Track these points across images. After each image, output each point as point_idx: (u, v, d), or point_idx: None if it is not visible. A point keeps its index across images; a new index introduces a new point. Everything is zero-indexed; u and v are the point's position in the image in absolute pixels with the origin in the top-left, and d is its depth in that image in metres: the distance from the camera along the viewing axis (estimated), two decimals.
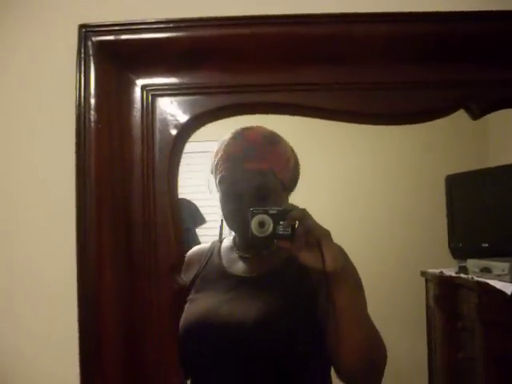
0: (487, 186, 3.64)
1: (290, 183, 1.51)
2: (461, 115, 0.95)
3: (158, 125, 0.89)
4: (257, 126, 1.45)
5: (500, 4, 0.88)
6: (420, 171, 4.28)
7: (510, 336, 2.86)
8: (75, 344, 0.90)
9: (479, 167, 3.83)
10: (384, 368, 1.37)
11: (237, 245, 1.51)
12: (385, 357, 1.37)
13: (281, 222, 1.30)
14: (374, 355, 1.34)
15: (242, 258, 1.50)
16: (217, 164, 1.41)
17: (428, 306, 3.85)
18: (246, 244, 1.49)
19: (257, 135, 1.44)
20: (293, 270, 1.41)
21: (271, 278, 1.46)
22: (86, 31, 0.90)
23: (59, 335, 0.96)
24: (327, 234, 1.29)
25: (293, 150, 1.52)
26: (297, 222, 1.28)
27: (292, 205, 1.34)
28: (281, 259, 1.47)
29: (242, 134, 1.42)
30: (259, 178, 1.40)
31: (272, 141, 1.45)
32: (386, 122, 0.95)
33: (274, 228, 1.29)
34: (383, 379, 1.43)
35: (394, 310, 4.07)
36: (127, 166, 0.88)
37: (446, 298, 3.49)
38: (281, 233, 1.30)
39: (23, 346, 0.98)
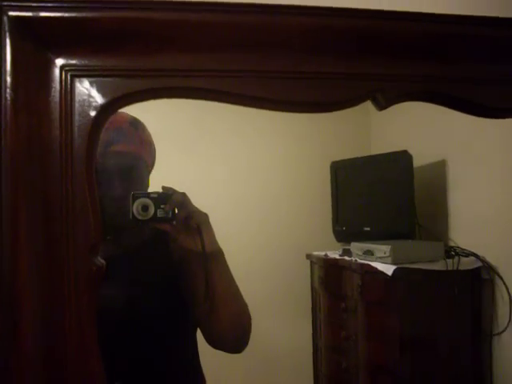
0: (369, 172, 3.82)
1: (151, 166, 1.62)
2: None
3: (76, 106, 0.88)
4: (121, 112, 1.51)
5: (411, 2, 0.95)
6: (307, 157, 4.41)
7: (390, 314, 3.03)
8: None
9: (362, 155, 4.00)
10: (250, 331, 1.56)
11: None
12: (249, 321, 1.56)
13: (162, 206, 1.33)
14: (243, 322, 1.54)
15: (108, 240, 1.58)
16: None
17: (313, 288, 3.99)
18: (112, 227, 1.53)
19: (121, 121, 1.52)
20: (154, 247, 1.58)
21: (134, 256, 1.58)
22: (1, 5, 0.87)
23: None
24: (206, 218, 1.42)
25: (151, 138, 1.63)
26: (177, 205, 1.35)
27: (172, 189, 1.41)
28: (142, 238, 1.60)
29: (109, 122, 1.48)
30: (126, 159, 1.46)
31: (135, 125, 1.55)
32: (299, 110, 0.98)
33: (156, 211, 1.32)
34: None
35: (280, 291, 4.18)
36: (45, 147, 0.87)
37: (331, 280, 3.64)
38: (162, 216, 1.34)
39: None
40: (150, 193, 1.35)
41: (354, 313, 3.32)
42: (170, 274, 1.54)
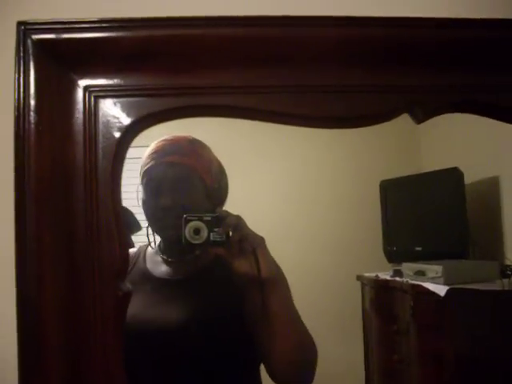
0: (419, 190, 3.73)
1: (214, 188, 1.52)
2: (395, 121, 0.97)
3: (101, 127, 0.86)
4: (184, 135, 1.49)
5: (449, 11, 0.90)
6: (355, 176, 4.35)
7: (443, 337, 2.92)
8: (14, 353, 0.86)
9: (412, 173, 3.91)
10: (315, 366, 1.41)
11: (161, 249, 1.52)
12: (315, 355, 1.41)
13: (215, 229, 1.29)
14: (306, 356, 1.39)
15: (166, 261, 1.51)
16: (142, 166, 1.45)
17: (364, 310, 3.91)
18: (168, 248, 1.50)
19: (180, 138, 1.48)
20: (216, 273, 1.45)
21: (194, 281, 1.48)
22: (25, 28, 0.87)
23: None
24: (261, 241, 1.33)
25: (218, 161, 1.56)
26: (231, 229, 1.30)
27: (226, 211, 1.35)
28: (204, 263, 1.49)
29: (166, 138, 1.47)
30: (178, 169, 1.43)
31: (194, 142, 1.49)
32: (331, 125, 0.95)
33: (209, 235, 1.29)
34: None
35: (331, 313, 4.11)
36: (69, 170, 0.85)
37: (382, 302, 3.55)
38: (215, 240, 1.30)
39: None
40: (202, 215, 1.32)
41: (406, 335, 3.23)
42: (232, 301, 1.44)
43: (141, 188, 1.46)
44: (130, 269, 1.47)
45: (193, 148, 1.48)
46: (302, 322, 1.40)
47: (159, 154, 1.44)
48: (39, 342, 0.85)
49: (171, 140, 1.47)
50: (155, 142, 1.46)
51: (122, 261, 0.86)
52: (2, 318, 0.91)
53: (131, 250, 1.56)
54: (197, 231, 1.29)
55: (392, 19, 0.90)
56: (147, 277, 1.46)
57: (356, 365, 4.01)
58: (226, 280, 1.39)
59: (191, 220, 1.29)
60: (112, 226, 0.86)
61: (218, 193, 1.54)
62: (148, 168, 1.43)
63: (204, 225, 1.29)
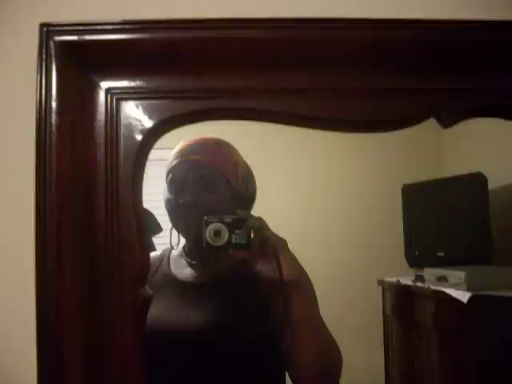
0: (442, 195, 3.68)
1: (240, 190, 1.50)
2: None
3: (122, 130, 0.86)
4: (211, 136, 1.48)
5: (475, 13, 0.88)
6: (376, 180, 4.31)
7: (466, 344, 2.88)
8: (33, 359, 0.86)
9: (435, 177, 3.87)
10: (340, 374, 1.38)
11: (185, 251, 1.50)
12: (340, 363, 1.37)
13: (236, 231, 1.27)
14: (330, 362, 1.35)
15: (190, 264, 1.49)
16: (167, 165, 1.45)
17: (385, 315, 3.87)
18: (193, 250, 1.48)
19: (207, 139, 1.47)
20: (240, 276, 1.41)
21: (219, 284, 1.45)
22: (47, 30, 0.86)
23: (16, 350, 0.91)
24: (284, 243, 1.30)
25: (246, 164, 1.54)
26: (253, 231, 1.27)
27: (247, 213, 1.34)
28: (228, 266, 1.46)
29: (193, 139, 1.46)
30: (202, 168, 1.42)
31: (220, 144, 1.48)
32: (357, 129, 0.93)
33: (230, 237, 1.27)
34: None
35: (352, 318, 4.07)
36: (90, 173, 0.84)
37: (403, 307, 3.51)
38: (236, 242, 1.28)
39: None
40: (223, 217, 1.30)
41: (427, 341, 3.19)
42: (256, 306, 1.39)
43: (165, 187, 1.45)
44: (153, 272, 1.47)
45: (219, 149, 1.47)
46: (326, 329, 1.37)
47: (184, 152, 1.44)
48: (59, 344, 0.84)
49: (197, 140, 1.47)
50: (182, 142, 1.46)
51: (142, 265, 0.85)
52: (22, 318, 0.90)
53: (154, 254, 1.55)
54: (217, 233, 1.27)
55: (418, 21, 0.88)
56: (171, 280, 1.45)
57: (376, 370, 3.98)
58: (250, 284, 1.37)
59: (212, 222, 1.28)
60: (133, 229, 0.85)
61: (245, 195, 1.52)
62: (172, 166, 1.43)
63: (225, 227, 1.28)
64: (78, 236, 0.84)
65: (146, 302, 0.85)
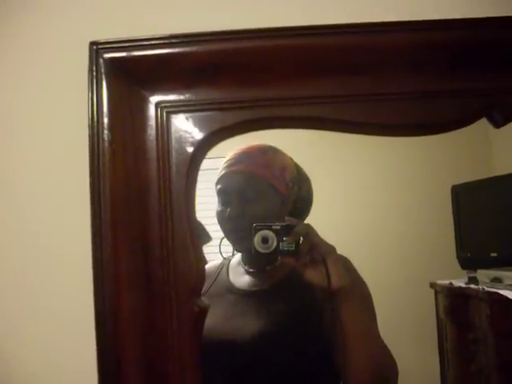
0: (493, 194, 3.61)
1: (290, 196, 1.49)
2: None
3: (173, 143, 0.86)
4: (258, 143, 1.47)
5: None
6: (425, 181, 4.26)
7: None
8: (94, 371, 0.87)
9: (483, 176, 3.80)
10: (396, 382, 1.33)
11: (243, 259, 1.51)
12: (395, 374, 1.34)
13: (284, 238, 1.26)
14: (383, 373, 1.31)
15: (247, 272, 1.49)
16: (216, 177, 1.46)
17: (438, 318, 3.81)
18: (250, 258, 1.48)
19: (253, 147, 1.46)
20: (296, 285, 1.37)
21: (275, 292, 1.44)
22: (97, 48, 0.88)
23: (77, 362, 0.93)
24: (332, 250, 1.28)
25: (295, 168, 1.53)
26: (301, 237, 1.26)
27: (296, 220, 1.32)
28: (285, 274, 1.45)
29: (240, 148, 1.46)
30: (244, 178, 1.42)
31: (265, 151, 1.47)
32: (409, 133, 0.92)
33: (278, 244, 1.26)
34: None
35: (405, 322, 4.02)
36: (143, 186, 0.85)
37: (457, 310, 3.45)
38: (285, 249, 1.27)
39: (42, 374, 0.95)
40: (272, 224, 1.30)
41: (483, 344, 3.12)
42: (310, 314, 1.37)
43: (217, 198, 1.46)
44: (212, 280, 1.48)
45: (263, 156, 1.45)
46: (378, 337, 1.34)
47: (230, 163, 1.44)
48: (117, 357, 0.85)
49: (243, 149, 1.46)
50: (230, 152, 1.46)
51: (197, 276, 0.85)
52: (81, 335, 0.91)
53: (213, 263, 1.57)
54: (265, 240, 1.27)
55: (468, 21, 0.87)
56: (229, 288, 1.46)
57: (431, 375, 3.92)
58: (304, 292, 1.34)
59: (260, 229, 1.28)
60: (187, 241, 0.85)
61: (298, 199, 1.52)
62: (219, 178, 1.44)
63: (273, 234, 1.27)
64: (133, 249, 0.85)
65: (203, 313, 0.85)
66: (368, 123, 0.86)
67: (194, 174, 0.88)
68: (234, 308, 1.40)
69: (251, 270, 1.48)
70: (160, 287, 0.85)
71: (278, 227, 1.28)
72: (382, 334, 1.36)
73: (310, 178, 1.64)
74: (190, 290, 0.85)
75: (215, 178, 1.46)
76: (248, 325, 1.34)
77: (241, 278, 1.48)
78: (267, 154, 1.47)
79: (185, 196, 0.86)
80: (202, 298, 0.88)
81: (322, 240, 1.27)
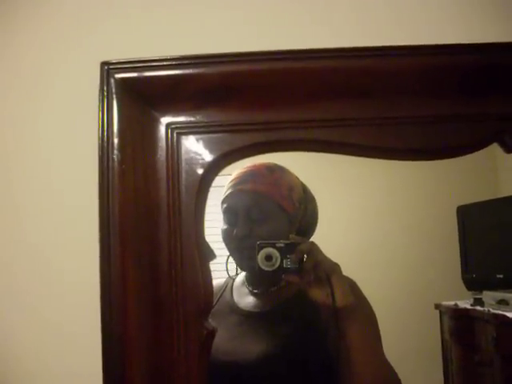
0: (498, 215, 3.60)
1: (297, 215, 1.48)
2: None
3: (183, 164, 0.86)
4: (265, 162, 1.45)
5: None
6: (431, 202, 4.25)
7: None
8: None
9: (489, 197, 3.80)
10: None
11: (247, 280, 1.49)
12: None
13: (288, 256, 1.26)
14: None
15: (251, 293, 1.47)
16: (222, 194, 1.44)
17: (443, 339, 3.78)
18: (254, 278, 1.47)
19: (259, 165, 1.45)
20: (301, 305, 1.37)
21: (280, 313, 1.43)
22: (108, 68, 0.88)
23: (83, 381, 0.92)
24: (337, 268, 1.26)
25: (301, 187, 1.52)
26: (305, 255, 1.25)
27: (300, 238, 1.32)
28: (289, 295, 1.44)
29: (248, 165, 1.44)
30: (251, 198, 1.40)
31: (272, 169, 1.45)
32: (419, 157, 0.92)
33: (282, 262, 1.26)
34: None
35: (409, 343, 4.00)
36: (152, 207, 0.85)
37: (462, 331, 3.43)
38: (289, 267, 1.26)
39: None
40: (275, 242, 1.30)
41: (489, 367, 3.10)
42: (316, 335, 1.36)
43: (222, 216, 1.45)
44: (216, 300, 1.46)
45: (270, 175, 1.44)
46: (383, 356, 1.33)
47: (236, 182, 1.43)
48: (124, 379, 0.84)
49: (249, 168, 1.45)
50: (237, 169, 1.45)
51: (205, 298, 0.85)
52: (88, 356, 0.91)
53: (217, 282, 1.54)
54: (269, 258, 1.27)
55: (478, 45, 0.87)
56: (233, 308, 1.44)
57: None
58: (310, 312, 1.33)
59: (264, 247, 1.27)
60: (195, 262, 0.85)
61: (304, 218, 1.51)
62: (225, 197, 1.42)
63: (277, 251, 1.27)
64: (141, 269, 0.84)
65: (211, 335, 0.85)
66: (376, 147, 0.85)
67: (203, 194, 0.87)
68: (237, 329, 1.39)
69: (255, 291, 1.47)
70: (167, 309, 0.84)
71: (282, 245, 1.28)
72: (386, 354, 1.35)
73: (318, 200, 1.63)
74: (198, 313, 0.84)
75: (221, 196, 1.44)
76: (251, 346, 1.33)
77: (245, 299, 1.46)
78: (275, 172, 1.46)
79: (194, 217, 0.86)
80: (209, 320, 0.87)
81: (326, 258, 1.26)
